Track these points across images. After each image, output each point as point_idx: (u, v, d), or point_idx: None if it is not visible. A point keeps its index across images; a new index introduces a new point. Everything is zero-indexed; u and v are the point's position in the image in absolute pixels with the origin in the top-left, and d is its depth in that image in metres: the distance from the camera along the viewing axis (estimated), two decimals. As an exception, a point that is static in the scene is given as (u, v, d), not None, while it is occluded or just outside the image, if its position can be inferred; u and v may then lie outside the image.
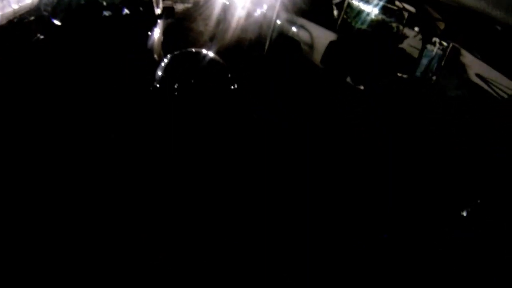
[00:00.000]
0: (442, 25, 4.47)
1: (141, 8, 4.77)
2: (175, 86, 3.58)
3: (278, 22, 4.48)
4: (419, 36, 4.78)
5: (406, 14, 4.77)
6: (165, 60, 3.73)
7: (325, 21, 4.46)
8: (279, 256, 2.72)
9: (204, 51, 3.88)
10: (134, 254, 2.53)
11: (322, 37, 4.28)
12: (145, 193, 3.02)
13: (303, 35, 4.36)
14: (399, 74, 4.35)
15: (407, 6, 5.08)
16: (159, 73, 3.69)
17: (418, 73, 4.52)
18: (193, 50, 3.96)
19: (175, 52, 3.80)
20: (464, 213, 3.33)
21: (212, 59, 3.82)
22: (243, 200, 3.15)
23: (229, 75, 3.76)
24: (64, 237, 2.56)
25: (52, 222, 2.66)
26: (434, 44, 4.74)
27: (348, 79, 4.05)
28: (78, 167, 3.16)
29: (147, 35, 4.38)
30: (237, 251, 2.70)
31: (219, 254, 2.64)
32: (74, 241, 2.55)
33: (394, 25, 4.84)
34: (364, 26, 4.79)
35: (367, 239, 3.04)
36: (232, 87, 3.74)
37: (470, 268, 2.96)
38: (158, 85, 3.67)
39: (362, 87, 4.02)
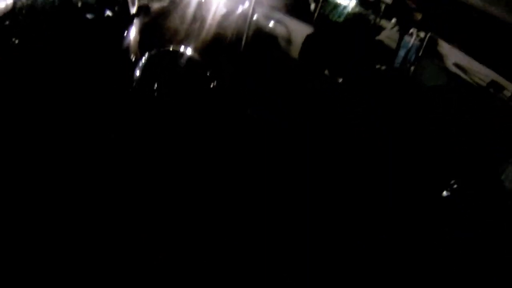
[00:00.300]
0: (419, 16, 4.51)
1: (116, 8, 4.69)
2: (154, 86, 3.53)
3: (255, 17, 4.47)
4: (397, 28, 4.81)
5: (383, 6, 4.78)
6: (143, 60, 3.67)
7: (302, 15, 4.46)
8: (279, 256, 2.70)
9: (181, 49, 3.83)
10: (134, 254, 2.51)
11: (299, 31, 4.29)
12: (145, 193, 2.98)
13: (280, 30, 4.36)
14: (377, 66, 4.37)
15: (383, -2, 5.10)
16: (137, 73, 3.63)
17: (396, 64, 4.55)
18: (170, 48, 3.92)
19: (152, 52, 3.74)
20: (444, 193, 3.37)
21: (189, 57, 3.77)
22: (243, 200, 3.11)
23: (208, 73, 3.72)
24: (64, 237, 2.52)
25: (52, 222, 2.61)
26: (411, 35, 4.77)
27: (326, 72, 4.07)
28: (76, 167, 3.10)
29: (123, 35, 4.32)
30: (237, 251, 2.68)
31: (219, 254, 2.62)
32: (74, 241, 2.51)
33: (371, 17, 4.84)
34: (341, 19, 4.78)
35: (367, 239, 3.02)
36: (211, 85, 3.70)
37: (470, 268, 2.97)
38: (137, 86, 3.61)
39: (340, 80, 4.04)
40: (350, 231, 3.08)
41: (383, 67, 4.38)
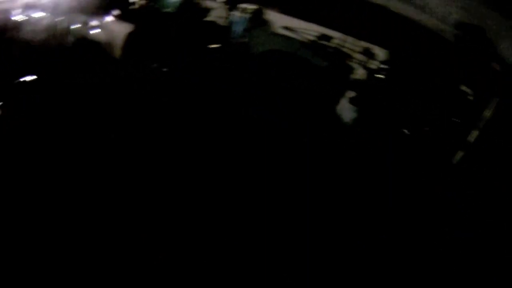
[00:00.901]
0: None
1: None
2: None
3: (74, 27, 4.34)
4: (226, 6, 4.99)
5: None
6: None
7: (125, 14, 4.42)
8: (279, 256, 2.72)
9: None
10: (134, 254, 2.50)
11: (121, 31, 4.26)
12: (145, 192, 2.96)
13: (102, 35, 4.28)
14: (211, 46, 4.51)
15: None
16: None
17: (230, 40, 4.74)
18: None
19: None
20: None
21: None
22: (243, 200, 3.09)
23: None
24: (63, 237, 2.51)
25: (51, 221, 2.60)
26: (240, 9, 5.00)
27: (155, 65, 4.10)
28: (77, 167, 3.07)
29: None
30: (237, 251, 2.68)
31: (219, 254, 2.63)
32: (74, 240, 2.50)
33: (199, 1, 4.96)
34: (170, 9, 4.82)
35: (367, 239, 3.05)
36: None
37: (470, 268, 3.05)
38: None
39: (167, 70, 4.10)
40: (350, 231, 3.11)
41: (217, 46, 4.54)
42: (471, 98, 4.88)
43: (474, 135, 4.50)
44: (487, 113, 4.50)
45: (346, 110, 4.31)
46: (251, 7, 4.91)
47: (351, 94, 4.58)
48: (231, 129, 3.80)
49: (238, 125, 3.81)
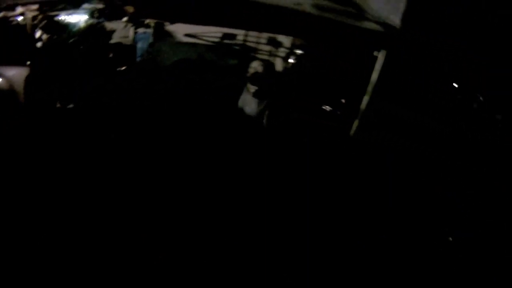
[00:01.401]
0: (131, 9, 4.92)
1: None
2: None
3: None
4: (129, 24, 5.16)
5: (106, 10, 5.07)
6: None
7: (25, 57, 4.43)
8: (279, 256, 2.76)
9: None
10: (134, 254, 2.52)
11: (20, 75, 4.24)
12: (145, 192, 2.96)
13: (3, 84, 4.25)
14: (120, 68, 4.71)
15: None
16: None
17: (138, 58, 4.95)
18: None
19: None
20: None
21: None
22: (243, 200, 3.11)
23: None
24: (63, 237, 2.52)
25: (51, 221, 2.61)
26: (144, 26, 5.20)
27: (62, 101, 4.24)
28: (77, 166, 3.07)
29: None
30: (237, 251, 2.72)
31: (219, 254, 2.67)
32: (74, 240, 2.52)
33: (103, 24, 5.11)
34: (76, 38, 4.95)
35: (367, 239, 3.07)
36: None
37: (470, 268, 3.05)
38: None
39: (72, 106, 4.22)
40: (350, 231, 3.14)
41: (124, 68, 4.74)
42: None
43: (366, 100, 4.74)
44: (375, 75, 4.70)
45: (253, 102, 4.60)
46: (154, 21, 5.12)
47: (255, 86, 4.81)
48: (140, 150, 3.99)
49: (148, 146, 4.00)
